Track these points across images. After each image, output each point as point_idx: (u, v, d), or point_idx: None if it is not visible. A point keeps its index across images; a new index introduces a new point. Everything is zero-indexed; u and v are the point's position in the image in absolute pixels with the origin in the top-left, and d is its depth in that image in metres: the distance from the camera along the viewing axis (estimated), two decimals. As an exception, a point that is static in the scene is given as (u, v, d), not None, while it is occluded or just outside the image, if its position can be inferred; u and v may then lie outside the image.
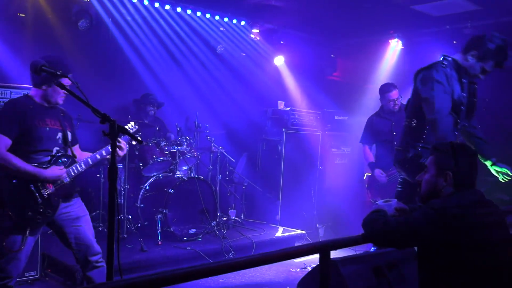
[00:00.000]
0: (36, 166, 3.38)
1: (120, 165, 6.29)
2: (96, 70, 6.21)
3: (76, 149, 3.79)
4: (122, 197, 6.09)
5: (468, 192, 2.54)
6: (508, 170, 3.86)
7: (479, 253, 2.37)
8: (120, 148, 3.51)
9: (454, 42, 7.43)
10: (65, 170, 3.48)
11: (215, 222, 6.35)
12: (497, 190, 6.29)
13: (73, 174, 3.55)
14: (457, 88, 3.75)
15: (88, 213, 3.73)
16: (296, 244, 6.73)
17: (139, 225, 6.10)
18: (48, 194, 3.40)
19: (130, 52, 6.96)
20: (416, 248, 3.76)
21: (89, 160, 3.62)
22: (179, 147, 6.36)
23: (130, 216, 6.07)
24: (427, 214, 2.45)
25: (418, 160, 3.71)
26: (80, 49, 6.04)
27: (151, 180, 6.30)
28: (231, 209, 7.24)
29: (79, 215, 3.59)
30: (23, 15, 5.69)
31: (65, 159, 3.56)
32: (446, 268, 2.41)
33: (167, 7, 6.84)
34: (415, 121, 3.83)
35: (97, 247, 3.63)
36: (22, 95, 3.60)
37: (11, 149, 3.30)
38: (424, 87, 3.71)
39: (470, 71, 3.78)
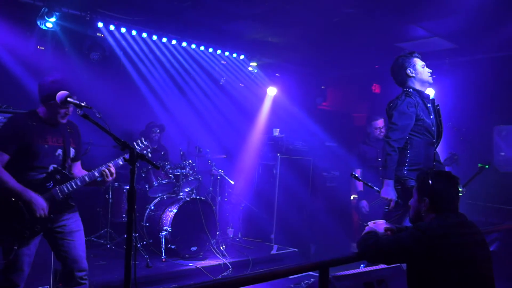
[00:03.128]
0: (33, 181, 3.29)
1: (126, 186, 6.35)
2: (107, 98, 6.30)
3: (77, 165, 3.70)
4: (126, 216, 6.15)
5: (451, 215, 2.63)
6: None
7: (461, 269, 2.44)
8: (110, 173, 3.45)
9: (434, 76, 7.64)
10: (45, 206, 3.28)
11: (214, 240, 6.38)
12: (474, 212, 6.44)
13: (66, 191, 3.40)
14: (426, 113, 3.88)
15: (82, 228, 3.56)
16: (288, 261, 6.80)
17: (144, 242, 6.13)
18: (31, 215, 3.25)
19: (139, 81, 7.07)
20: (403, 265, 3.89)
21: (85, 177, 3.47)
22: (182, 170, 6.45)
23: (136, 234, 6.10)
24: (413, 235, 2.56)
25: (405, 183, 3.78)
26: (93, 79, 6.16)
27: (156, 200, 6.35)
28: (230, 228, 7.29)
29: (72, 230, 3.47)
30: (43, 48, 5.81)
31: (59, 177, 3.42)
32: (432, 283, 2.48)
33: (174, 41, 6.98)
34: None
35: (85, 264, 3.50)
36: (29, 110, 3.46)
37: (9, 164, 3.23)
38: (391, 115, 3.86)
39: (424, 79, 3.94)
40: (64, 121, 3.45)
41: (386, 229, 3.10)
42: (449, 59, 7.29)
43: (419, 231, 2.56)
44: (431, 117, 3.92)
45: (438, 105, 4.01)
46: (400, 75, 4.01)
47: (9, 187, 3.18)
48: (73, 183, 3.43)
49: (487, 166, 4.07)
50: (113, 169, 3.50)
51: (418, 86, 3.94)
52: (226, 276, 5.87)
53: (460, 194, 3.95)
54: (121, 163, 3.60)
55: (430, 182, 2.72)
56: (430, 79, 3.99)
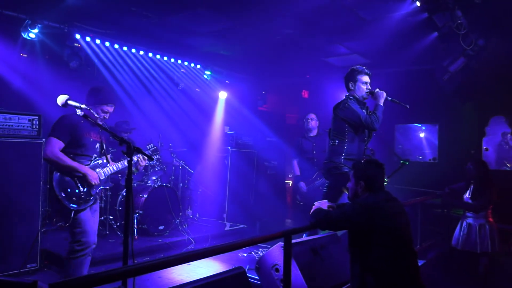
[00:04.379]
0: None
1: (113, 173, 6.21)
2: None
3: (108, 157, 3.92)
4: (103, 202, 6.04)
5: (380, 192, 2.94)
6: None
7: (389, 233, 2.72)
8: (144, 159, 3.76)
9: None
10: (97, 176, 3.59)
11: (178, 220, 6.43)
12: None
13: (107, 173, 3.71)
14: None
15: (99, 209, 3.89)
16: (239, 235, 6.96)
17: (118, 224, 6.06)
18: (88, 185, 3.54)
19: (113, 84, 6.90)
20: (338, 233, 4.21)
21: (119, 164, 3.78)
22: (149, 162, 6.42)
23: (111, 217, 6.03)
24: (354, 208, 2.83)
25: (341, 169, 4.03)
26: (70, 83, 5.94)
27: (127, 187, 6.29)
28: (189, 210, 7.35)
29: (96, 209, 3.74)
30: (26, 56, 5.54)
31: (101, 162, 3.70)
32: (368, 244, 2.75)
33: (141, 52, 6.91)
34: (337, 141, 4.12)
35: (96, 238, 3.70)
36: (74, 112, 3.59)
37: (62, 151, 3.43)
38: (347, 114, 4.03)
39: (359, 94, 4.12)
40: (102, 122, 3.67)
41: (329, 207, 3.38)
42: (364, 71, 7.77)
43: (358, 205, 2.84)
44: None
45: (370, 111, 4.23)
46: (346, 84, 4.25)
47: (68, 164, 3.42)
48: (110, 168, 3.75)
49: (407, 163, 4.36)
50: (142, 162, 3.81)
51: (356, 96, 4.17)
52: (190, 249, 5.97)
53: (385, 183, 4.26)
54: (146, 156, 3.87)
55: (364, 169, 3.02)
56: (366, 96, 4.17)
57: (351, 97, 4.14)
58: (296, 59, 7.74)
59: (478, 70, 5.48)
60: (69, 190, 3.44)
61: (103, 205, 6.03)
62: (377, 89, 4.16)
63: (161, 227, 6.14)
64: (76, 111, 3.38)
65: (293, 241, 3.60)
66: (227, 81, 8.65)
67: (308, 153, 6.35)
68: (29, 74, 5.59)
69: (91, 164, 3.63)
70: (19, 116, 4.66)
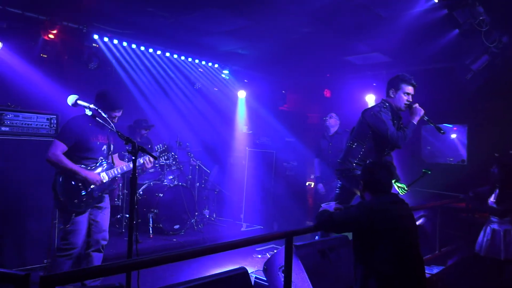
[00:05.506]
0: (82, 167, 3.59)
1: (119, 175, 6.39)
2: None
3: (115, 157, 4.02)
4: (120, 200, 6.21)
5: (386, 195, 2.91)
6: (405, 185, 4.07)
7: (394, 235, 2.71)
8: (150, 161, 3.90)
9: (374, 84, 8.01)
10: (100, 178, 3.66)
11: (194, 220, 6.53)
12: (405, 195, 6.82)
13: (111, 175, 3.78)
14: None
15: (109, 207, 3.95)
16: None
17: (134, 222, 6.15)
18: (91, 188, 3.62)
19: (130, 85, 7.05)
20: (348, 236, 4.18)
21: (124, 167, 3.87)
22: (166, 161, 6.56)
23: (127, 215, 6.19)
24: (359, 209, 2.82)
25: (353, 172, 3.97)
26: (88, 83, 6.12)
27: (143, 186, 6.43)
28: (206, 209, 7.43)
29: (105, 207, 3.83)
30: (45, 56, 5.75)
31: (106, 165, 3.78)
32: (372, 247, 2.74)
33: (159, 52, 7.04)
34: (355, 144, 4.03)
35: (107, 235, 3.84)
36: (84, 113, 3.67)
37: (67, 153, 3.53)
38: (375, 122, 3.88)
39: (397, 104, 3.95)
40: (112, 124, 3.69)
41: (336, 209, 3.37)
42: (385, 70, 7.63)
43: (362, 207, 2.83)
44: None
45: (402, 123, 4.08)
46: (387, 89, 4.07)
47: (69, 168, 3.49)
48: (114, 170, 3.80)
49: (429, 172, 4.20)
50: (149, 165, 3.98)
51: (393, 105, 4.00)
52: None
53: (405, 191, 4.14)
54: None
55: (366, 169, 3.00)
56: (403, 108, 3.98)
57: (386, 104, 3.98)
58: (315, 58, 7.68)
59: (505, 68, 5.29)
60: (71, 193, 3.53)
61: (119, 203, 6.20)
62: (416, 104, 3.96)
63: (176, 226, 6.25)
64: (85, 111, 3.50)
65: (300, 242, 3.63)
66: (245, 80, 8.68)
67: (324, 152, 6.33)
68: (48, 74, 5.79)
69: (96, 165, 3.71)
70: (37, 115, 4.85)
